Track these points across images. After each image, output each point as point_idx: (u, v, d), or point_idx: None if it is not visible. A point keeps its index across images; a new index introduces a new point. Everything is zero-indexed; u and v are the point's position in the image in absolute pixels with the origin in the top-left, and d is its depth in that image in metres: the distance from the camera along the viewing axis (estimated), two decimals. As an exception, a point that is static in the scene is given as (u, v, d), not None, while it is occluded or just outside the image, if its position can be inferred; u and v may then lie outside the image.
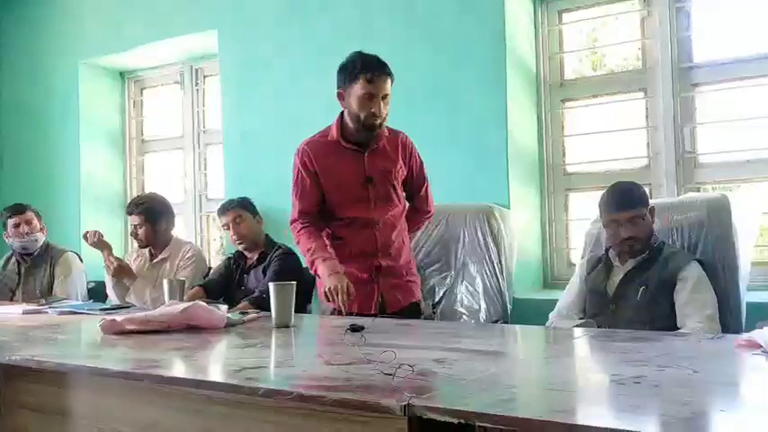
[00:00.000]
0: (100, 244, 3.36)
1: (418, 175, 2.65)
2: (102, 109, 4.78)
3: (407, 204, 2.69)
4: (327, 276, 2.36)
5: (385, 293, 2.51)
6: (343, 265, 2.44)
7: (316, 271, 2.44)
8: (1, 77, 5.03)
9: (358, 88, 2.39)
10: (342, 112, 2.51)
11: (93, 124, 4.70)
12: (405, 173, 2.59)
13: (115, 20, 4.49)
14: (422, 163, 2.66)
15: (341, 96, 2.47)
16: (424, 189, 2.69)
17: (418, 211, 2.72)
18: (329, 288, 2.32)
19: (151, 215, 3.39)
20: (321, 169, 2.51)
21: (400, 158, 2.56)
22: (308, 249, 2.46)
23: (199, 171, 4.52)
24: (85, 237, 3.39)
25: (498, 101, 3.20)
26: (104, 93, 4.79)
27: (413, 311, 2.56)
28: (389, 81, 2.43)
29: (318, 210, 2.54)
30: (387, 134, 2.55)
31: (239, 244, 3.30)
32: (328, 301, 2.35)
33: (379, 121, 2.44)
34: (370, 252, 2.50)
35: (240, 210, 3.30)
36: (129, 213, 3.44)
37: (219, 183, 4.22)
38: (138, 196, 3.59)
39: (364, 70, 2.38)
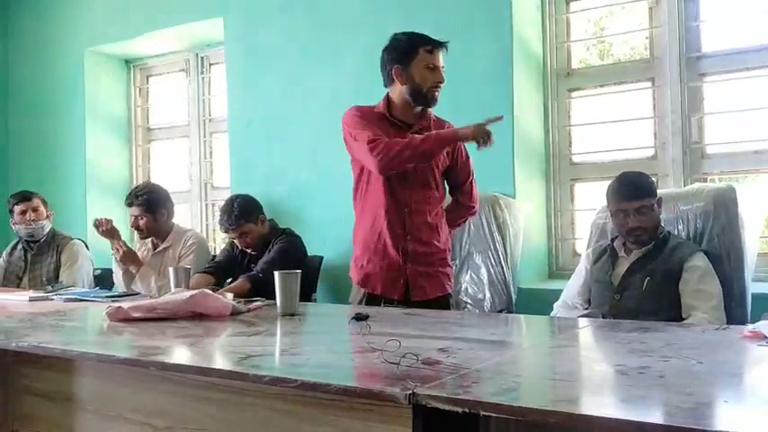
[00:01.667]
0: (110, 231, 3.38)
1: (463, 167, 2.61)
2: (108, 97, 4.78)
3: (451, 199, 2.66)
4: (463, 128, 2.34)
5: (412, 280, 2.46)
6: (375, 245, 2.45)
7: (439, 137, 2.36)
8: (7, 65, 5.04)
9: (420, 60, 2.41)
10: (387, 94, 2.50)
11: (98, 112, 4.71)
12: (447, 162, 2.55)
13: (121, 7, 4.48)
14: (468, 156, 2.62)
15: (398, 73, 2.43)
16: (468, 183, 2.64)
17: (461, 205, 2.66)
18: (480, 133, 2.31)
19: (151, 206, 3.39)
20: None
21: None
22: (411, 139, 2.36)
23: (204, 159, 4.52)
24: (96, 224, 3.40)
25: (504, 90, 3.19)
26: (110, 80, 4.79)
27: (442, 306, 2.50)
28: (444, 53, 2.46)
29: None
30: (433, 119, 2.54)
31: (251, 250, 3.29)
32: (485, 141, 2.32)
33: (438, 94, 2.45)
34: (399, 234, 2.45)
35: (241, 227, 3.22)
36: (129, 205, 3.43)
37: (225, 171, 4.22)
38: (136, 187, 3.59)
39: (423, 42, 2.43)
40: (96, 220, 3.41)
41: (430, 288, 2.49)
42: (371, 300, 2.48)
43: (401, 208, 2.45)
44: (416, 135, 2.37)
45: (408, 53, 2.43)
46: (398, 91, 2.46)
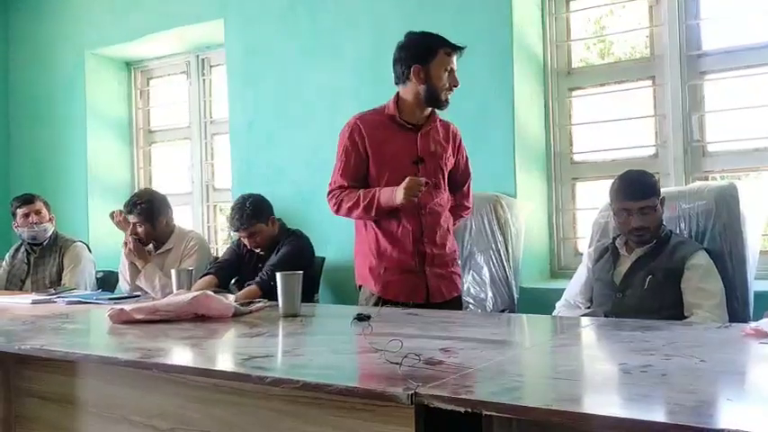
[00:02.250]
0: (125, 223, 3.40)
1: (464, 169, 2.63)
2: (109, 99, 4.78)
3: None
4: (392, 193, 2.33)
5: (431, 283, 2.46)
6: (390, 251, 2.43)
7: (379, 205, 2.37)
8: (8, 68, 5.04)
9: (439, 61, 2.40)
10: (397, 93, 2.49)
11: (99, 114, 4.71)
12: (452, 163, 2.56)
13: (121, 9, 4.49)
14: (468, 157, 2.64)
15: (417, 72, 2.40)
16: (467, 184, 2.66)
17: (458, 206, 2.66)
18: (405, 194, 2.29)
19: (150, 215, 3.39)
20: (372, 145, 2.45)
21: (450, 147, 2.53)
22: (358, 197, 2.40)
23: (206, 161, 4.53)
24: (112, 216, 3.44)
25: (505, 89, 3.19)
26: (111, 83, 4.80)
27: (456, 305, 2.50)
28: (459, 57, 2.46)
29: (357, 187, 2.48)
30: (439, 121, 2.54)
31: (259, 251, 3.29)
32: (414, 197, 2.31)
33: (450, 97, 2.45)
34: (416, 238, 2.44)
35: (252, 226, 3.21)
36: (129, 213, 3.45)
37: (226, 173, 4.22)
38: (135, 195, 3.59)
39: (443, 44, 2.41)
40: (112, 212, 3.46)
41: (446, 289, 2.50)
42: (387, 305, 2.42)
43: (417, 210, 2.44)
44: (366, 194, 2.40)
45: (429, 53, 2.41)
46: (413, 90, 2.43)
